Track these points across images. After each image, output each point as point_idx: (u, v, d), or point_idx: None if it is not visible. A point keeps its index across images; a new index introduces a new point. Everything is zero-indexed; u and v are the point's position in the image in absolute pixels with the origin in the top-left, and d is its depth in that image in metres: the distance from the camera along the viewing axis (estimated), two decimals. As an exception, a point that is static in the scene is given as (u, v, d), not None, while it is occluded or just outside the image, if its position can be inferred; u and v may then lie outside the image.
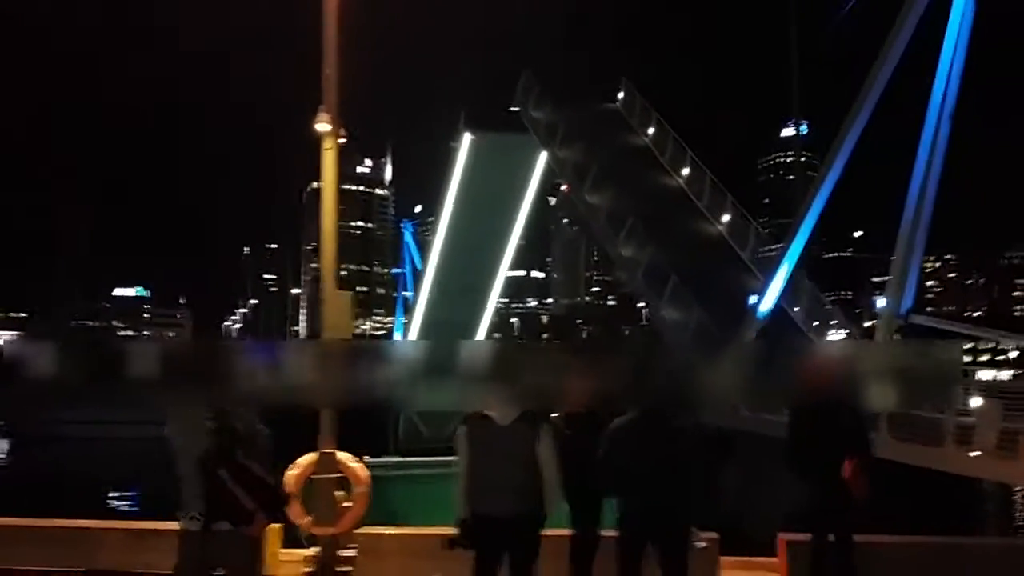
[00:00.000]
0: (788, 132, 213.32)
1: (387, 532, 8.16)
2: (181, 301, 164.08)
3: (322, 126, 8.62)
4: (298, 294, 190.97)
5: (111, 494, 30.67)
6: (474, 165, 38.71)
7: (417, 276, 57.02)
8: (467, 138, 38.71)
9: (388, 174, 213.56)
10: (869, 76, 23.76)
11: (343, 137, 8.75)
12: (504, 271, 45.97)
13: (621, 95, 35.93)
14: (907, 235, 23.01)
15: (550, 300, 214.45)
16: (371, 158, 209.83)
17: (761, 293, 25.90)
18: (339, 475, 7.99)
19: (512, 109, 35.46)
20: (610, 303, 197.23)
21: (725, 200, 32.27)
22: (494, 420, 5.52)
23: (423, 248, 67.40)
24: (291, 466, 7.74)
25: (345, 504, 7.90)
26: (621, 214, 29.31)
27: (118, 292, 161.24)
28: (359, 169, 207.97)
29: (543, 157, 37.74)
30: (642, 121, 34.51)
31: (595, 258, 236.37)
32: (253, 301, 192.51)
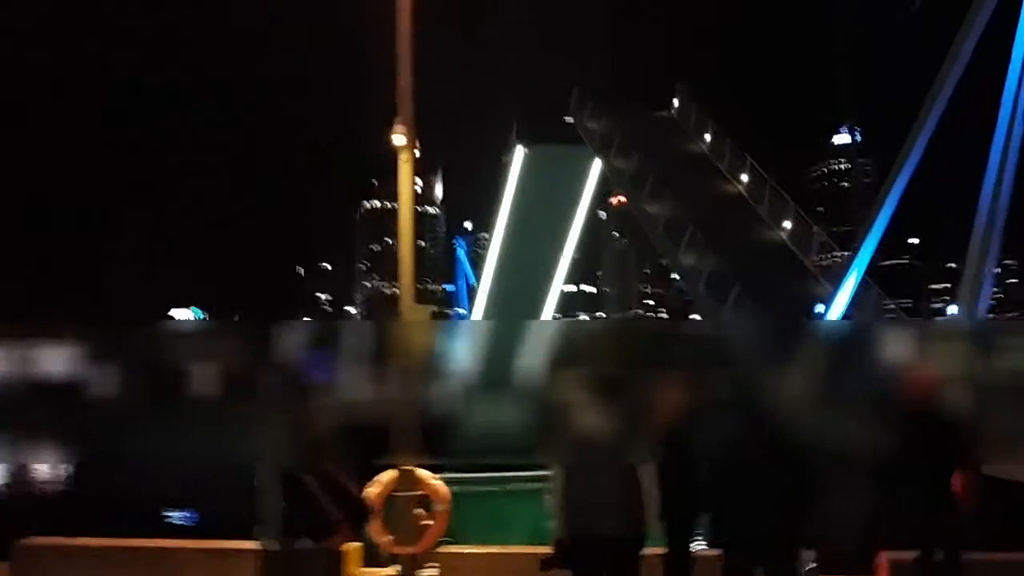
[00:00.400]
0: (840, 139, 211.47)
1: (471, 551, 7.93)
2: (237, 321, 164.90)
3: (398, 139, 8.50)
4: (354, 314, 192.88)
5: (170, 512, 30.85)
6: (527, 178, 38.56)
7: (471, 293, 56.89)
8: (520, 151, 38.60)
9: (439, 192, 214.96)
10: (936, 81, 23.21)
11: (417, 150, 8.65)
12: (559, 285, 45.69)
13: (676, 102, 35.55)
14: (979, 240, 22.39)
15: (601, 314, 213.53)
16: (421, 176, 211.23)
17: (828, 301, 25.28)
18: (420, 493, 7.86)
19: (566, 120, 35.25)
20: (661, 316, 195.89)
21: (786, 206, 31.66)
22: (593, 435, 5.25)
23: (476, 264, 67.52)
24: (371, 483, 7.61)
25: (425, 522, 7.74)
26: (681, 223, 28.89)
27: (174, 313, 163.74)
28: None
29: (596, 168, 37.55)
30: (698, 128, 34.08)
31: (646, 271, 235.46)
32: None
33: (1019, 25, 21.53)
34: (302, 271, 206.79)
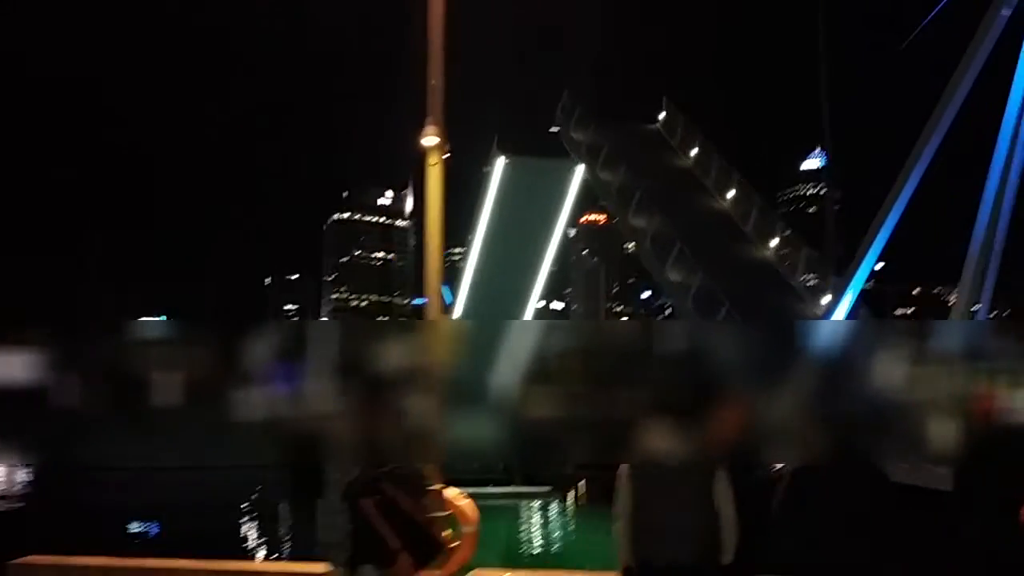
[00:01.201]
0: (808, 165, 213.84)
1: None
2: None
3: (429, 140, 8.20)
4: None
5: (133, 527, 29.66)
6: (507, 190, 37.87)
7: (446, 309, 55.81)
8: (500, 161, 37.91)
9: (409, 205, 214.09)
10: (934, 113, 23.15)
11: (447, 153, 8.32)
12: (536, 300, 45.04)
13: (662, 116, 35.04)
14: (972, 269, 22.33)
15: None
16: (392, 189, 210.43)
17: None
18: (447, 513, 7.37)
19: (552, 130, 34.65)
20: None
21: (773, 225, 31.30)
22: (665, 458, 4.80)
23: (450, 280, 66.70)
24: None
25: (452, 545, 7.17)
26: (668, 238, 28.38)
27: (142, 320, 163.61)
28: (379, 201, 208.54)
29: (576, 183, 37.08)
30: (684, 142, 33.64)
31: (615, 289, 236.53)
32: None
33: (1020, 57, 21.54)
34: (268, 281, 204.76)
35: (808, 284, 30.19)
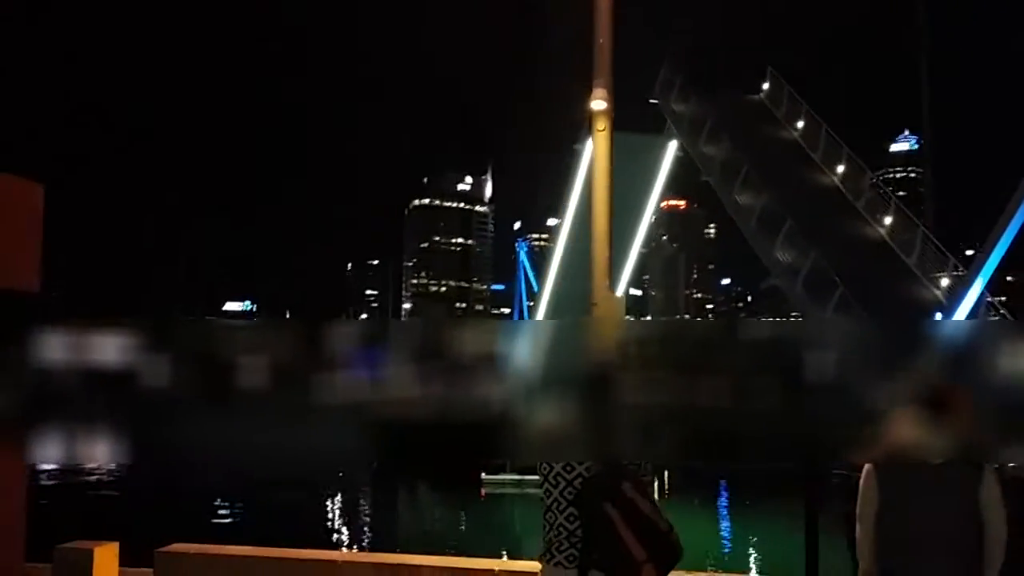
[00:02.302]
0: (898, 147, 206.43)
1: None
2: (287, 315, 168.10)
3: (597, 103, 7.96)
4: (407, 308, 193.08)
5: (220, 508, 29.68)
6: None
7: (532, 296, 55.09)
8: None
9: (488, 191, 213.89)
10: None
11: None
12: (625, 284, 43.66)
13: (766, 86, 33.15)
14: None
15: (648, 319, 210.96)
16: (471, 175, 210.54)
17: (950, 310, 23.07)
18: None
19: (652, 101, 33.13)
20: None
21: (887, 202, 29.34)
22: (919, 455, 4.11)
23: (537, 268, 65.83)
24: None
25: None
26: (777, 216, 26.72)
27: (228, 307, 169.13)
28: (459, 186, 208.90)
29: (668, 160, 35.69)
30: (789, 114, 31.80)
31: (694, 276, 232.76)
32: (363, 316, 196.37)
33: None
34: (349, 267, 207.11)
35: (924, 266, 28.17)
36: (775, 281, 28.17)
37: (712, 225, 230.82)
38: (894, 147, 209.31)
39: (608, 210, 8.02)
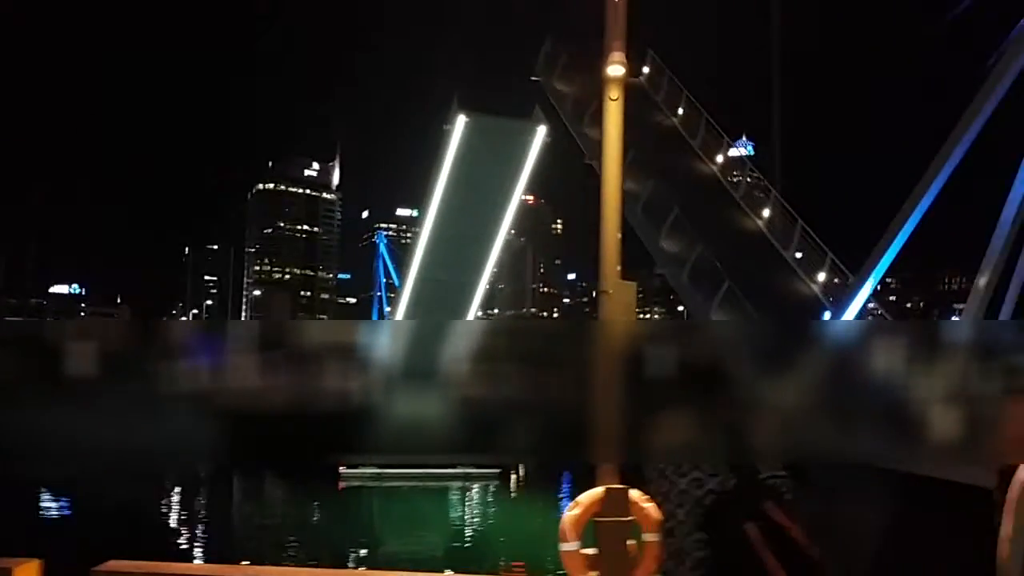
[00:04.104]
0: (734, 152, 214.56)
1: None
2: (118, 300, 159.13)
3: (614, 69, 7.51)
4: (254, 295, 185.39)
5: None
6: (466, 152, 34.71)
7: (391, 288, 52.88)
8: (461, 120, 34.65)
9: (335, 178, 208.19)
10: (974, 102, 20.97)
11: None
12: (488, 272, 42.08)
13: (645, 69, 32.06)
14: (995, 258, 20.43)
15: (495, 311, 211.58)
16: (319, 161, 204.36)
17: (840, 310, 22.54)
18: (629, 518, 6.73)
19: (533, 79, 31.50)
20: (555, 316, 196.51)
21: (765, 194, 28.84)
22: None
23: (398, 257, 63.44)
24: (570, 505, 7.05)
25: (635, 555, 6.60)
26: (661, 204, 25.60)
27: (54, 290, 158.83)
28: (306, 172, 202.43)
29: (536, 147, 34.50)
30: (669, 99, 30.84)
31: (540, 270, 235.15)
32: (208, 302, 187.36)
33: None
34: (187, 251, 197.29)
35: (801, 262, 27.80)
36: (661, 271, 27.08)
37: (559, 221, 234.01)
38: (730, 152, 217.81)
39: (618, 190, 7.54)
